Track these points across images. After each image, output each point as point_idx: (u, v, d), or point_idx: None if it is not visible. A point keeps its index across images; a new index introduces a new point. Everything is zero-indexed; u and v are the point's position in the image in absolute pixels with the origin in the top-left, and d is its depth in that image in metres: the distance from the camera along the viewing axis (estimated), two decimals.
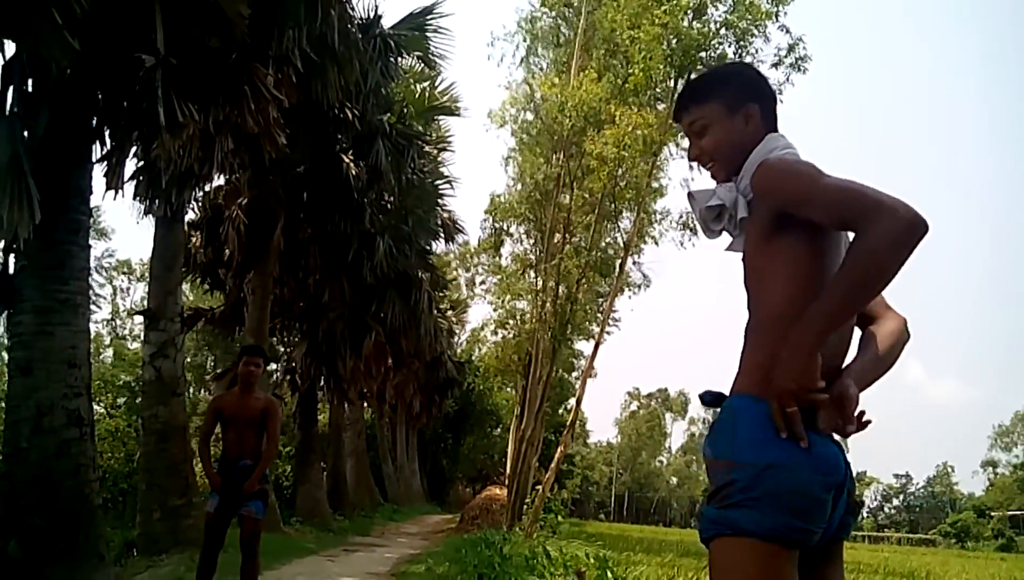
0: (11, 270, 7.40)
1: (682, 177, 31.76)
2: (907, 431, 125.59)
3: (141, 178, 10.74)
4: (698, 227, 2.41)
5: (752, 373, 1.91)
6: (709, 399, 2.04)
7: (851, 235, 1.82)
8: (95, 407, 18.35)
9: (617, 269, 19.03)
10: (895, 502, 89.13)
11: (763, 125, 2.14)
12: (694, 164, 2.29)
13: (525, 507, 18.84)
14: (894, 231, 1.72)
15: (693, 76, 2.01)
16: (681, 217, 19.62)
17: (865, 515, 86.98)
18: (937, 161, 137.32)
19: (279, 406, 6.59)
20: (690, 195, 2.23)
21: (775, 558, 1.77)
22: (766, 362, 1.84)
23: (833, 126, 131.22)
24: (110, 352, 41.80)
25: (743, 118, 2.13)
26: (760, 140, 2.10)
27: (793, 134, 2.15)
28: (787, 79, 16.08)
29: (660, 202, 20.19)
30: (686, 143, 2.56)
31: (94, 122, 7.92)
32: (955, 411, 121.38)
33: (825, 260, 1.93)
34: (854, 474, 2.05)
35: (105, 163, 8.43)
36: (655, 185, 18.71)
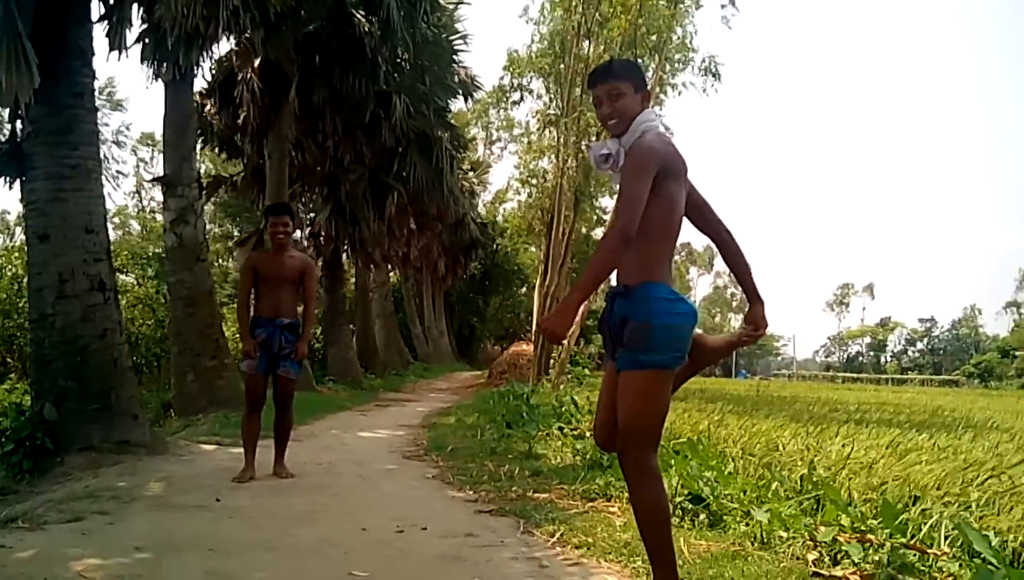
0: (19, 137, 7.27)
1: (709, 25, 29.94)
2: (933, 277, 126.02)
3: (147, 41, 10.50)
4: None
5: (650, 266, 2.96)
6: (620, 290, 3.02)
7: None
8: (125, 277, 18.70)
9: None
10: (919, 345, 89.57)
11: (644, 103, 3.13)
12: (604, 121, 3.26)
13: (552, 362, 19.13)
14: (611, 238, 2.87)
15: (614, 61, 2.76)
16: (704, 62, 18.83)
17: (889, 359, 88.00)
18: None
19: (315, 265, 6.52)
20: (587, 145, 3.56)
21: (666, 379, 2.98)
22: (651, 258, 2.96)
23: None
24: (136, 225, 42.02)
25: (641, 97, 3.11)
26: (639, 112, 3.07)
27: None
28: None
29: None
30: None
31: None
32: (983, 256, 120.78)
33: (667, 197, 2.95)
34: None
35: (106, 23, 8.19)
36: (678, 31, 17.98)
